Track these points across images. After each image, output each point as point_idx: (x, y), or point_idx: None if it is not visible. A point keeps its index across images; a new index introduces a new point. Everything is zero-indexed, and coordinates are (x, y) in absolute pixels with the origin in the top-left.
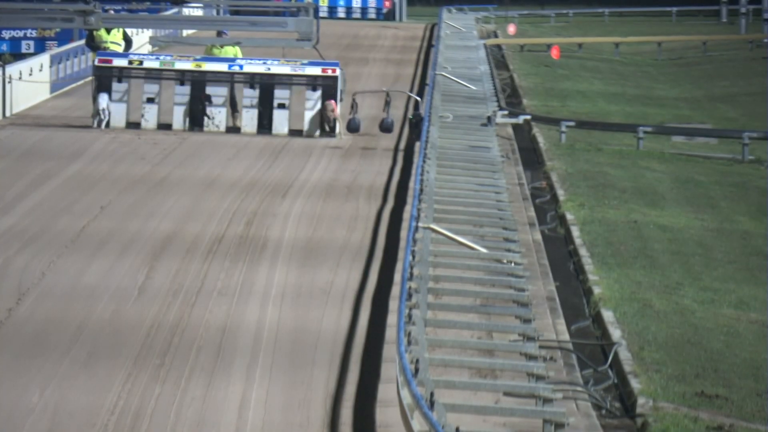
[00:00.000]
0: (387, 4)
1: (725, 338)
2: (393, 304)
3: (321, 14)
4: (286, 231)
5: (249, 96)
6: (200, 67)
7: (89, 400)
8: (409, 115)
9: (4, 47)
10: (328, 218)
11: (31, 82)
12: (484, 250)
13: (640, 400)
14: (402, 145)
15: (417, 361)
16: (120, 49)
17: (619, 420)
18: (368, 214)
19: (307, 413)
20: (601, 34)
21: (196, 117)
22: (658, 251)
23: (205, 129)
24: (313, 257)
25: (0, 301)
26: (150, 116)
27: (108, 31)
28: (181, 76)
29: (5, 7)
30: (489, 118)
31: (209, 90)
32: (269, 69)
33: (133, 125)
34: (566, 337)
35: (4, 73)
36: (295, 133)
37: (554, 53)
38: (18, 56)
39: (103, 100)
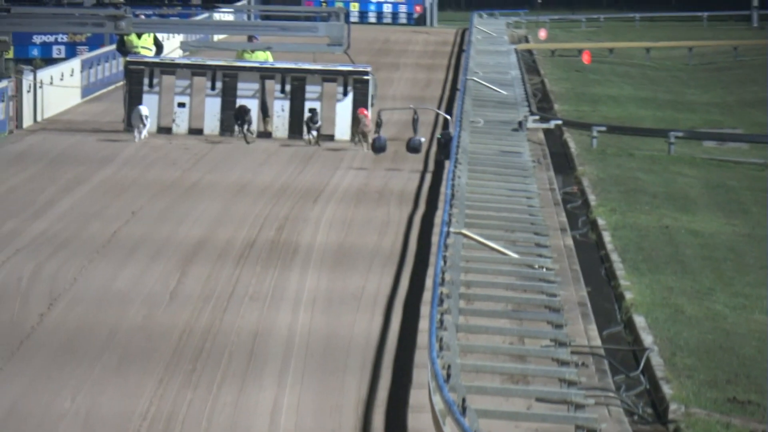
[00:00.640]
0: (418, 8)
1: (757, 344)
2: (425, 310)
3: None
4: (318, 236)
5: (280, 101)
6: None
7: (121, 406)
8: (437, 134)
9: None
10: (359, 223)
11: (62, 87)
12: (515, 256)
13: (672, 406)
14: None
15: (449, 366)
16: (151, 54)
17: (651, 426)
18: (399, 219)
19: (338, 419)
20: (632, 39)
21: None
22: (689, 256)
23: (236, 134)
24: (345, 262)
25: (31, 306)
26: (181, 121)
27: (139, 36)
28: (213, 73)
29: (36, 12)
30: (520, 123)
31: (241, 100)
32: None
33: (164, 130)
34: (598, 342)
35: (35, 78)
36: (326, 138)
37: (585, 58)
38: (49, 61)
39: (143, 110)
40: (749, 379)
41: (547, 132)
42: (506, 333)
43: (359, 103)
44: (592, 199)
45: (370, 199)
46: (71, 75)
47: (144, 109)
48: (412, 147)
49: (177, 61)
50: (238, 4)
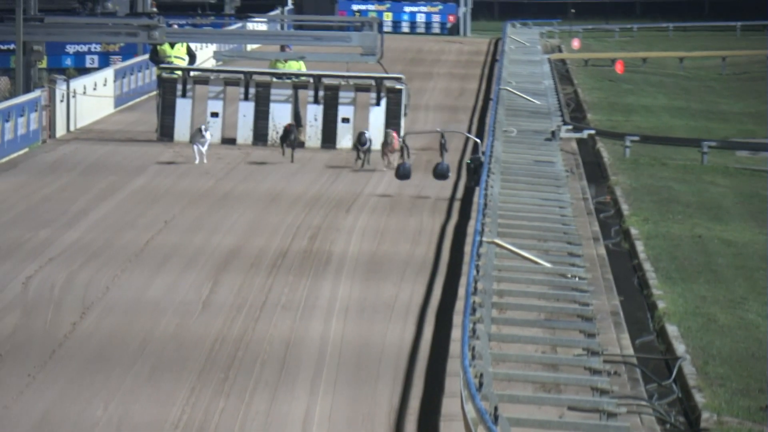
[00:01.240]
0: (451, 18)
1: None
2: (457, 319)
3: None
4: (350, 245)
5: (313, 110)
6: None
7: (153, 414)
8: (467, 159)
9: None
10: (392, 232)
11: (95, 97)
12: (548, 265)
13: (705, 415)
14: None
15: (481, 375)
16: (184, 64)
17: None
18: (432, 228)
19: (371, 427)
20: (666, 49)
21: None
22: (722, 266)
23: (269, 143)
24: (377, 271)
25: (64, 315)
26: (214, 131)
27: (172, 45)
28: (246, 83)
29: (70, 22)
30: (553, 133)
31: (273, 106)
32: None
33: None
34: (630, 351)
35: (68, 88)
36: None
37: (618, 68)
38: (82, 71)
39: (205, 134)
40: None
41: (580, 141)
42: (539, 342)
43: (392, 112)
44: (624, 208)
45: (402, 208)
46: (104, 85)
47: (202, 127)
48: (439, 173)
49: (210, 71)
50: (272, 14)
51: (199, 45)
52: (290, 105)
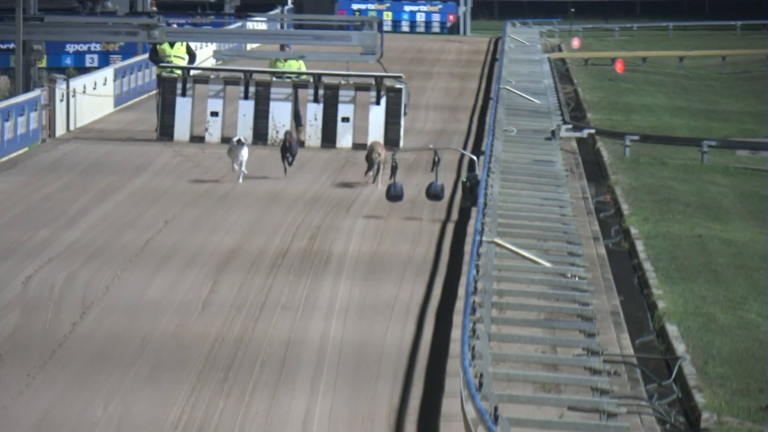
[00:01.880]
0: (451, 17)
1: None
2: (457, 319)
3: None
4: (350, 245)
5: (313, 109)
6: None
7: (153, 414)
8: (463, 177)
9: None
10: (392, 232)
11: (95, 96)
12: (548, 265)
13: (705, 415)
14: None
15: (481, 375)
16: (183, 63)
17: None
18: (432, 228)
19: (371, 427)
20: (666, 48)
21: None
22: (722, 265)
23: (269, 143)
24: (377, 271)
25: (64, 315)
26: (214, 130)
27: (171, 45)
28: (246, 82)
29: (70, 21)
30: (553, 132)
31: (273, 105)
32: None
33: (196, 139)
34: (630, 351)
35: (68, 87)
36: (359, 147)
37: (618, 67)
38: (82, 70)
39: (242, 152)
40: None
41: (580, 141)
42: (538, 342)
43: (392, 111)
44: (624, 208)
45: (402, 208)
46: (104, 84)
47: (242, 140)
48: (433, 194)
49: (210, 70)
50: (272, 13)
51: (198, 44)
52: (290, 104)
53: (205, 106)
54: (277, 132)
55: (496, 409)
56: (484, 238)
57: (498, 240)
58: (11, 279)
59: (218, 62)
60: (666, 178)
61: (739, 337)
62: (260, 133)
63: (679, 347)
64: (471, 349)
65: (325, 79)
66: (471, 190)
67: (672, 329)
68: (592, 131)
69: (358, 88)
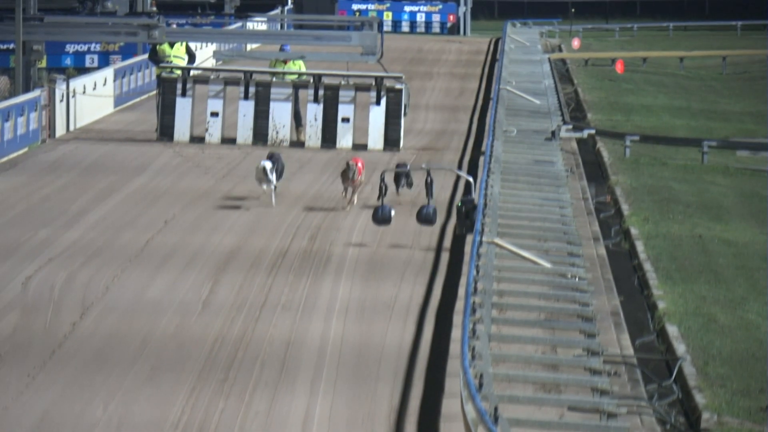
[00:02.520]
0: (451, 18)
1: None
2: (457, 319)
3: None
4: (350, 245)
5: (313, 110)
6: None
7: (153, 414)
8: (458, 201)
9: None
10: (392, 232)
11: (95, 97)
12: (548, 265)
13: (705, 415)
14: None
15: (481, 375)
16: (183, 63)
17: None
18: (432, 228)
19: (371, 428)
20: (666, 48)
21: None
22: (722, 266)
23: (269, 143)
24: (377, 271)
25: (64, 315)
26: (214, 130)
27: (171, 45)
28: (246, 82)
29: (70, 22)
30: (553, 133)
31: (273, 105)
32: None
33: (196, 139)
34: (630, 351)
35: (68, 88)
36: (359, 147)
37: (618, 67)
38: (82, 70)
39: (267, 166)
40: None
41: (580, 141)
42: (539, 342)
43: (392, 112)
44: (625, 208)
45: (403, 208)
46: (104, 84)
47: (267, 165)
48: (425, 218)
49: (210, 70)
50: (272, 13)
51: (198, 44)
52: (290, 104)
53: (205, 106)
54: (277, 132)
55: (496, 409)
56: (484, 239)
57: (498, 240)
58: (11, 279)
59: (218, 62)
60: (666, 178)
61: (740, 338)
62: (260, 134)
63: (680, 347)
64: (471, 350)
65: (326, 80)
66: (467, 215)
67: (672, 330)
68: (593, 132)
69: (358, 88)
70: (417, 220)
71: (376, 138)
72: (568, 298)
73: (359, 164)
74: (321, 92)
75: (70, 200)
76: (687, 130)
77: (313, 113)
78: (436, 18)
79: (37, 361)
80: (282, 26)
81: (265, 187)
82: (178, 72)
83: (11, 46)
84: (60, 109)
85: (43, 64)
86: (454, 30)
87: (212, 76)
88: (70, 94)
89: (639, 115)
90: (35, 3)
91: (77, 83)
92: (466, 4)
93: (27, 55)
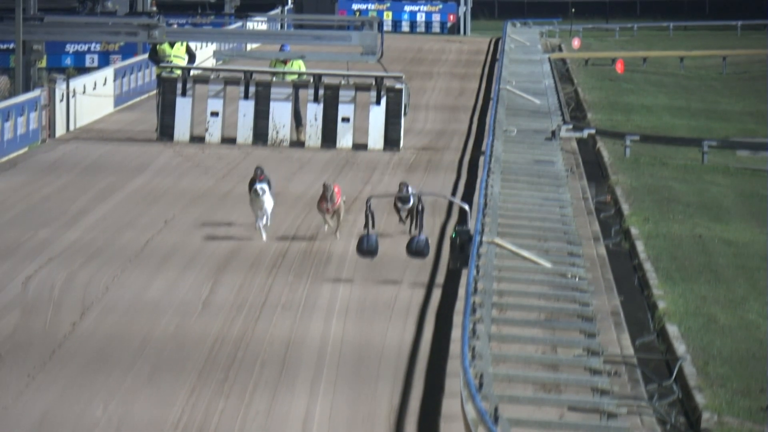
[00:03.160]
0: (451, 17)
1: None
2: (457, 319)
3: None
4: (350, 245)
5: (313, 109)
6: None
7: (153, 415)
8: (452, 232)
9: (68, 61)
10: (392, 232)
11: (95, 96)
12: (548, 265)
13: (705, 415)
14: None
15: (481, 375)
16: (183, 63)
17: None
18: (432, 227)
19: (371, 428)
20: (666, 48)
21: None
22: (723, 266)
23: (269, 143)
24: (377, 271)
25: (64, 315)
26: (214, 130)
27: (171, 44)
28: (246, 82)
29: (70, 22)
30: (553, 132)
31: (273, 105)
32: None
33: (196, 139)
34: (631, 351)
35: (68, 87)
36: (359, 147)
37: (619, 67)
38: (82, 70)
39: (265, 206)
40: None
41: (580, 141)
42: (539, 342)
43: (392, 112)
44: (625, 208)
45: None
46: (104, 84)
47: (264, 188)
48: (416, 250)
49: (210, 70)
50: (272, 13)
51: (198, 44)
52: (290, 104)
53: (205, 106)
54: (277, 132)
55: (496, 409)
56: (484, 239)
57: (498, 240)
58: (11, 279)
59: (218, 62)
60: (666, 178)
61: (740, 338)
62: (260, 134)
63: (680, 347)
64: (471, 350)
65: (326, 79)
66: (462, 248)
67: (672, 329)
68: (593, 131)
69: (359, 88)
70: (407, 253)
71: (376, 138)
72: (568, 298)
73: (337, 188)
74: (321, 92)
75: (70, 200)
76: (687, 130)
77: (313, 113)
78: (436, 18)
79: (37, 361)
80: (282, 26)
81: (259, 222)
82: (178, 72)
83: (11, 46)
84: (60, 109)
85: (43, 64)
86: (454, 30)
87: (212, 76)
88: (70, 94)
89: (639, 115)
90: (35, 3)
91: (77, 83)
92: (466, 4)
93: (27, 55)
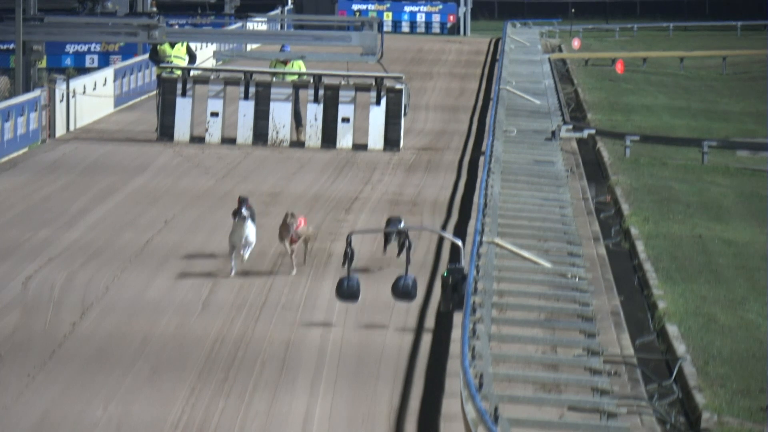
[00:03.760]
0: (451, 18)
1: None
2: (457, 319)
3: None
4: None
5: (313, 110)
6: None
7: (153, 414)
8: (444, 271)
9: (68, 61)
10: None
11: (95, 97)
12: (548, 265)
13: (705, 415)
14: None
15: (481, 375)
16: (183, 64)
17: None
18: (432, 228)
19: (371, 427)
20: (666, 49)
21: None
22: (722, 266)
23: (269, 143)
24: (378, 271)
25: (64, 315)
26: (214, 130)
27: (172, 45)
28: (246, 82)
29: (70, 22)
30: (553, 133)
31: (273, 105)
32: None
33: (196, 139)
34: (631, 351)
35: (68, 88)
36: (359, 147)
37: (619, 67)
38: (82, 70)
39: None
40: None
41: (580, 141)
42: (539, 342)
43: (392, 112)
44: (625, 208)
45: (403, 208)
46: (104, 84)
47: (246, 221)
48: (403, 291)
49: (210, 70)
50: (272, 13)
51: (198, 44)
52: (290, 104)
53: (205, 106)
54: (277, 132)
55: (496, 409)
56: (484, 239)
57: (498, 240)
58: (11, 279)
59: (218, 62)
60: (666, 178)
61: (740, 338)
62: (260, 134)
63: (680, 347)
64: (471, 350)
65: (326, 80)
66: (455, 288)
67: (672, 329)
68: (593, 132)
69: (359, 88)
70: (393, 295)
71: (376, 138)
72: (568, 298)
73: (301, 219)
74: (321, 92)
75: (70, 200)
76: (687, 130)
77: (313, 113)
78: (436, 18)
79: (37, 361)
80: (282, 26)
81: (235, 255)
82: (178, 72)
83: (11, 46)
84: (60, 109)
85: (43, 64)
86: (454, 30)
87: (212, 76)
88: (70, 94)
89: (639, 115)
90: (35, 3)
91: (77, 83)
92: (466, 4)
93: (27, 55)
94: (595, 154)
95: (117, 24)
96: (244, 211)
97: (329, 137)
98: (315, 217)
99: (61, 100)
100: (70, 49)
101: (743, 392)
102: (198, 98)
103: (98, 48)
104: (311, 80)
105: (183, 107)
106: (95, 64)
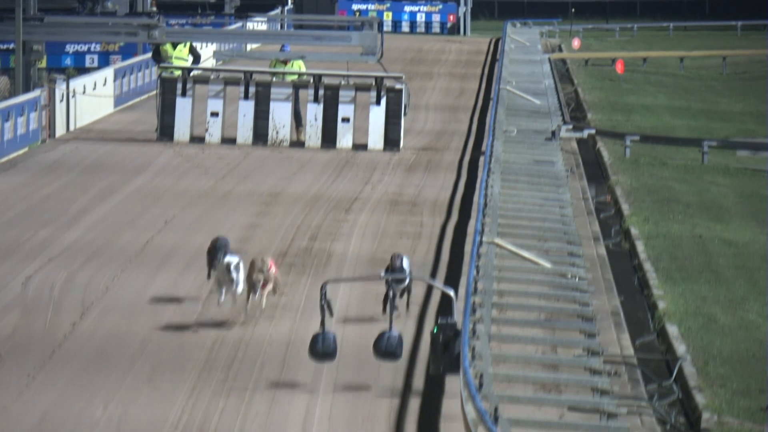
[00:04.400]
0: (451, 18)
1: None
2: (457, 319)
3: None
4: (351, 245)
5: (313, 110)
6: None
7: (153, 415)
8: (435, 326)
9: (68, 61)
10: (392, 232)
11: (95, 97)
12: (548, 265)
13: (705, 415)
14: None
15: (481, 375)
16: (186, 65)
17: None
18: (432, 228)
19: (371, 427)
20: (666, 49)
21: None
22: (722, 266)
23: (269, 143)
24: (377, 271)
25: (64, 315)
26: (214, 130)
27: (174, 45)
28: (246, 82)
29: (70, 22)
30: (553, 133)
31: (273, 105)
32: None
33: (196, 139)
34: (631, 351)
35: (68, 88)
36: (359, 147)
37: (619, 67)
38: (82, 70)
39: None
40: None
41: (580, 141)
42: (539, 342)
43: (392, 112)
44: (625, 208)
45: (403, 208)
46: (104, 84)
47: (233, 261)
48: (387, 350)
49: (210, 70)
50: (272, 13)
51: (199, 44)
52: (290, 104)
53: (205, 106)
54: (277, 132)
55: (496, 409)
56: (484, 239)
57: (498, 240)
58: (11, 279)
59: (218, 62)
60: (666, 178)
61: (740, 338)
62: (260, 134)
63: (680, 347)
64: (471, 350)
65: (326, 80)
66: (446, 346)
67: (672, 329)
68: (593, 132)
69: (359, 88)
70: (375, 354)
71: (376, 138)
72: (568, 298)
73: (271, 262)
74: (321, 92)
75: (70, 200)
76: (687, 130)
77: (313, 113)
78: (436, 18)
79: (37, 361)
80: (282, 26)
81: (221, 296)
82: (178, 72)
83: (11, 46)
84: (60, 109)
85: (43, 64)
86: (454, 30)
87: (212, 76)
88: (70, 94)
89: (639, 115)
90: (35, 3)
91: (77, 83)
92: (466, 4)
93: (27, 55)
94: (595, 154)
95: (117, 24)
96: (234, 263)
97: (329, 137)
98: (315, 217)
99: (61, 100)
100: (70, 49)
101: (743, 392)
102: (198, 98)
103: (98, 48)
104: (311, 80)
105: (183, 107)
106: (95, 64)
